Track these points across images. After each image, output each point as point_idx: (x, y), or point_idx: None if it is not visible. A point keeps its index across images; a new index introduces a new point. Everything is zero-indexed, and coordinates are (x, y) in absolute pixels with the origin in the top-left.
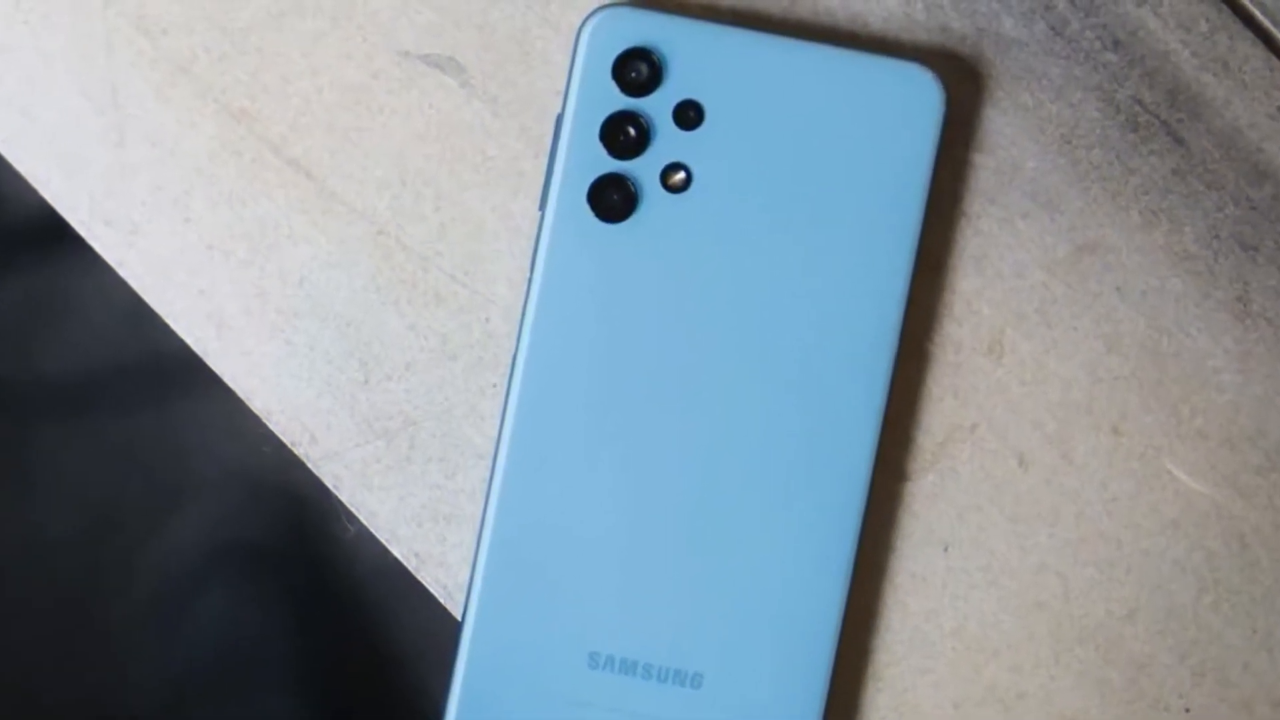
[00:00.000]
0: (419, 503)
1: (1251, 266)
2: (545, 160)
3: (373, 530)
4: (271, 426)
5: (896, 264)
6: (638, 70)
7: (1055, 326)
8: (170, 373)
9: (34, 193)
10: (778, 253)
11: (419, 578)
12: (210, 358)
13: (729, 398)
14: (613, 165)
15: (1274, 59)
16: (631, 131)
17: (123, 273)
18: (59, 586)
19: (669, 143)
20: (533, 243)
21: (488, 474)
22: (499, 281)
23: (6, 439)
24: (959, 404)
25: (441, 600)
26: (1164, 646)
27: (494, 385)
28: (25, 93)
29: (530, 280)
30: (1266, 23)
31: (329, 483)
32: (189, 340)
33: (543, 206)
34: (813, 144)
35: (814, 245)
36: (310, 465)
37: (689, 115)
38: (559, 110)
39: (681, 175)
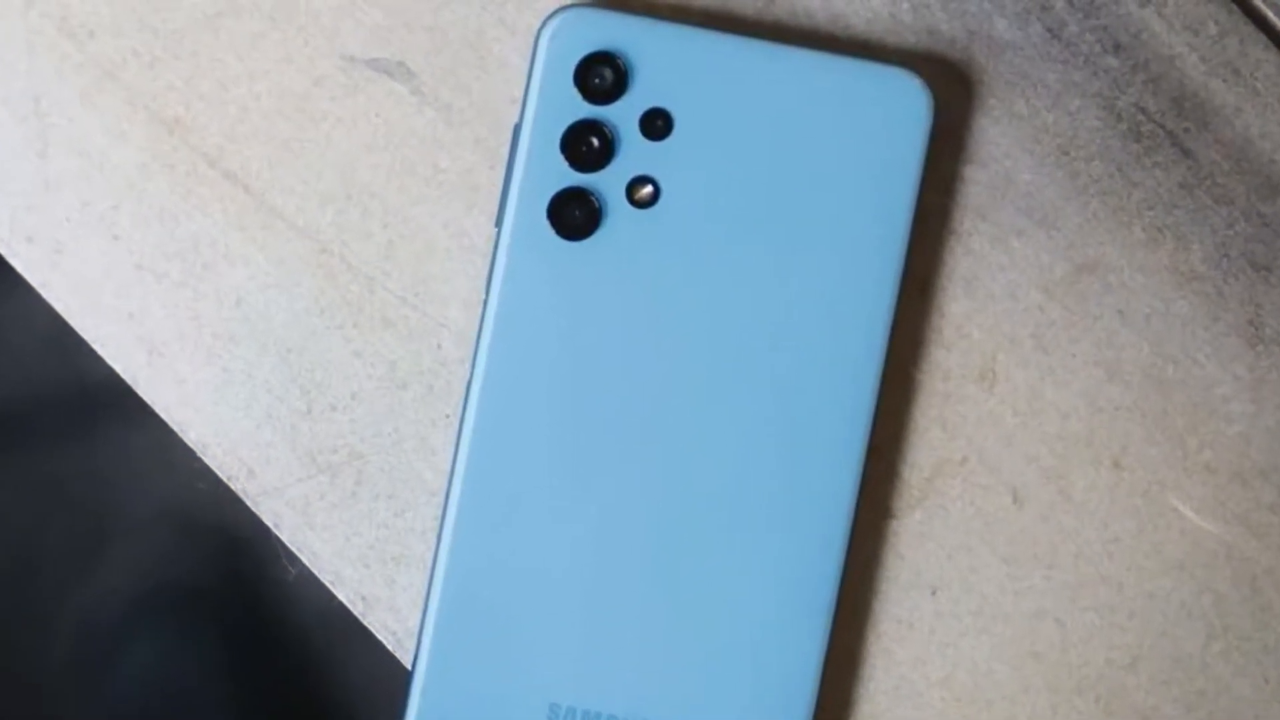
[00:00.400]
0: (365, 542)
1: (1264, 288)
2: (502, 173)
3: (316, 572)
4: (207, 460)
5: (881, 286)
6: (601, 76)
7: (1052, 352)
8: (97, 403)
9: None
10: (752, 274)
11: (366, 623)
12: (140, 386)
13: (701, 430)
14: (575, 178)
15: None
16: (595, 142)
17: (46, 294)
18: None
19: (635, 154)
20: (488, 262)
21: (440, 511)
22: (452, 304)
23: None
24: (948, 436)
25: (390, 647)
26: (1169, 698)
27: (446, 416)
28: None
29: (485, 303)
30: None
31: (269, 521)
32: (117, 367)
33: (499, 223)
34: (790, 156)
35: (792, 266)
36: (249, 502)
37: (656, 125)
38: (516, 119)
39: (648, 189)
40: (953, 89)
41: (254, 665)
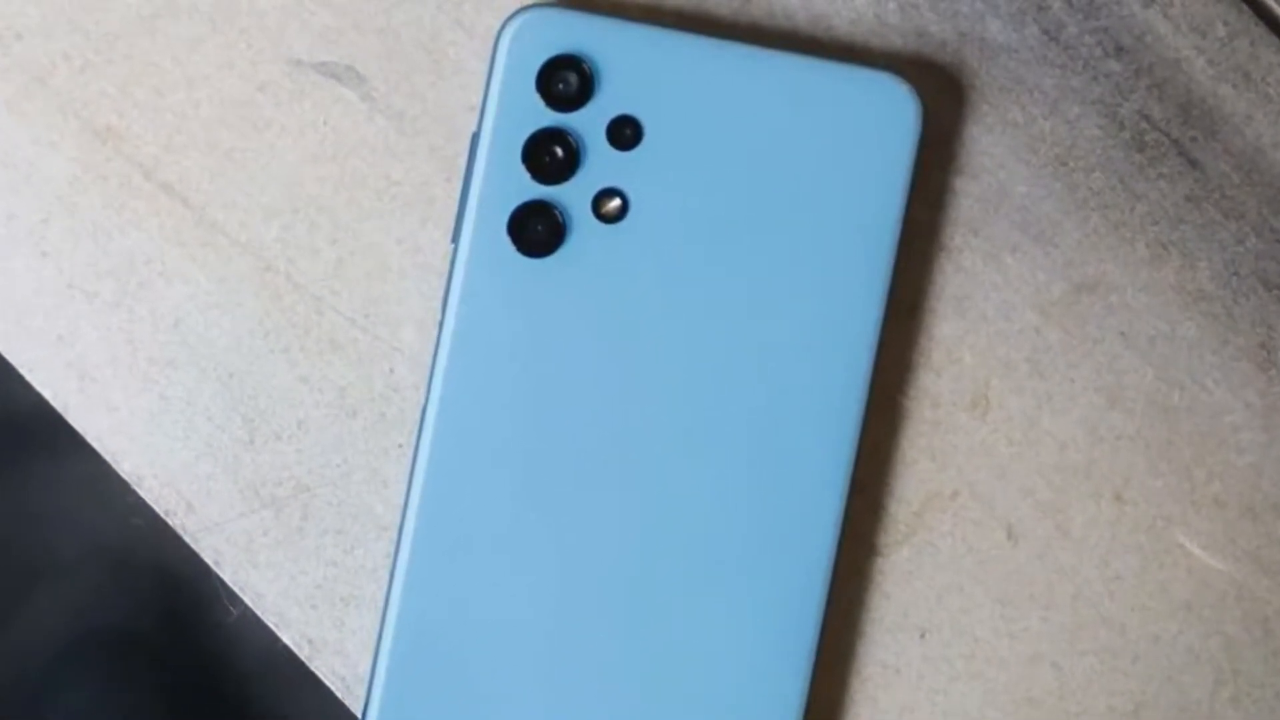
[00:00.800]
0: (312, 581)
1: (1276, 308)
2: (459, 185)
3: (259, 613)
4: (142, 494)
5: (866, 306)
6: (566, 81)
7: (1049, 378)
8: (24, 431)
9: None
10: (727, 295)
11: (312, 668)
12: (71, 414)
13: (672, 462)
14: (537, 191)
15: None
16: (559, 152)
17: None
18: None
19: (602, 165)
20: (444, 281)
21: (392, 549)
22: (405, 325)
23: None
24: (937, 467)
25: (339, 694)
26: None
27: (399, 446)
28: None
29: (441, 324)
30: None
31: (209, 559)
32: (46, 394)
33: (456, 239)
34: (768, 167)
35: (769, 286)
36: (187, 539)
37: (625, 133)
38: (475, 127)
39: (616, 203)
40: (943, 95)
41: (192, 714)
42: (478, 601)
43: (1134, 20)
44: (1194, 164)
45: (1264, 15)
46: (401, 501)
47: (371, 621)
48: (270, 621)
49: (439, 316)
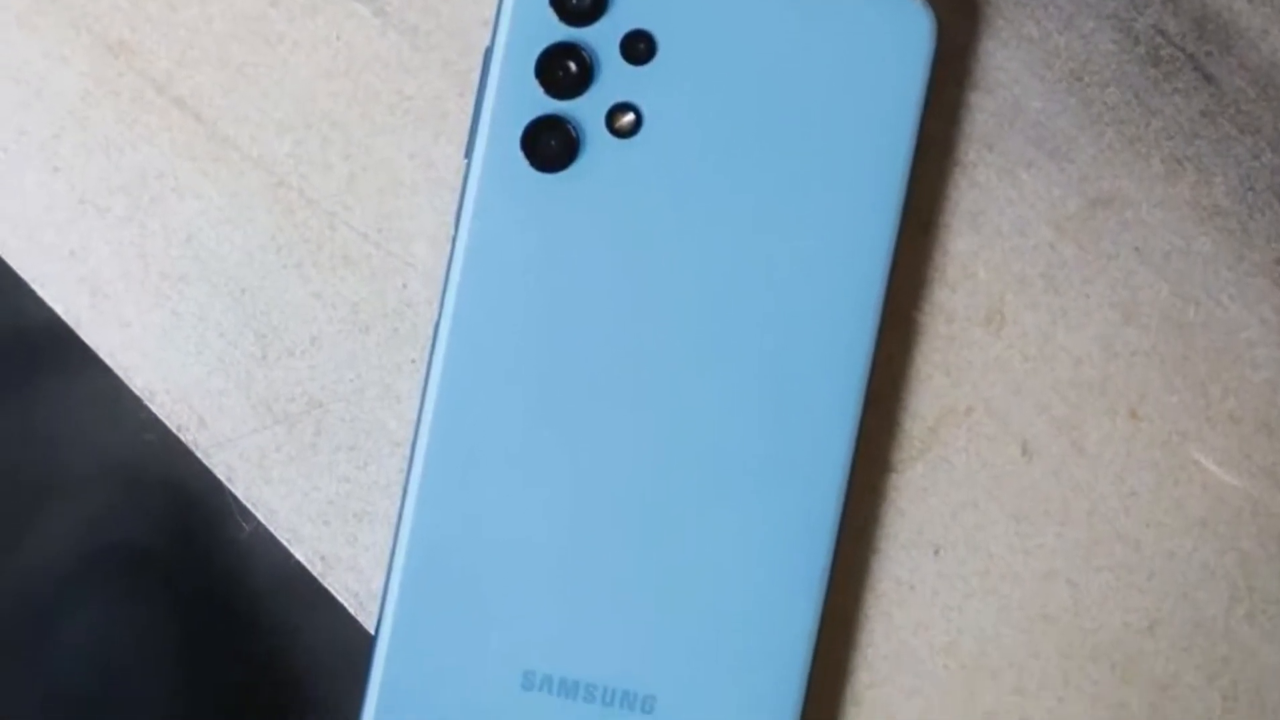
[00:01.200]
0: (325, 498)
1: None
2: (472, 100)
3: (272, 530)
4: (154, 410)
5: (880, 222)
6: None
7: (1064, 293)
8: (35, 348)
9: None
10: (741, 209)
11: (325, 584)
12: (83, 330)
13: (685, 377)
14: (551, 106)
15: None
16: (572, 66)
17: None
18: None
19: (615, 80)
20: (457, 196)
21: (405, 465)
22: (418, 241)
23: None
24: (952, 383)
25: (352, 610)
26: (1190, 664)
27: (412, 361)
28: None
29: (454, 239)
30: None
31: (221, 475)
32: (58, 309)
33: (469, 154)
34: (782, 82)
35: (783, 200)
36: (200, 455)
37: (638, 48)
38: (488, 42)
39: (630, 118)
40: (957, 10)
41: (205, 631)
42: (491, 517)
43: None
44: (1209, 79)
45: None
46: (414, 417)
47: (384, 537)
48: (283, 538)
49: (452, 232)
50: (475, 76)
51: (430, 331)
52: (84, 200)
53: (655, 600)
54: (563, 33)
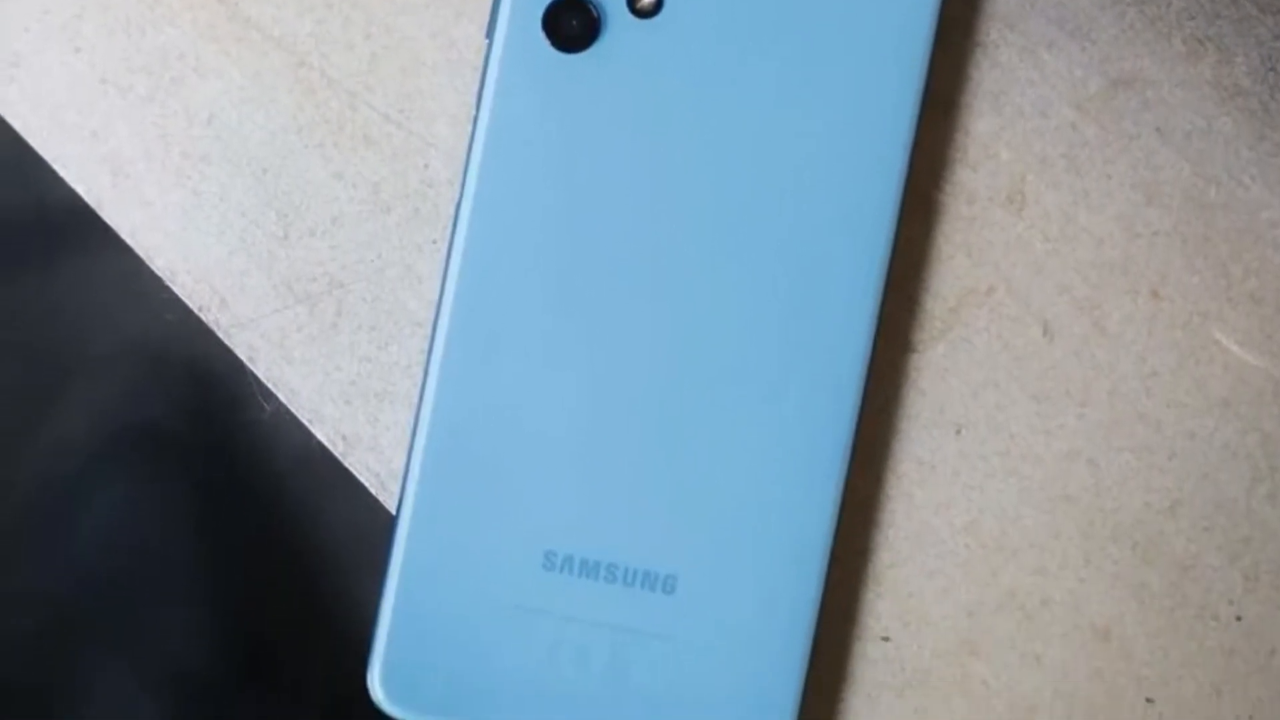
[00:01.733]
0: (346, 378)
1: None
2: None
3: (293, 410)
4: (176, 290)
5: (901, 102)
6: None
7: (1085, 174)
8: (57, 228)
9: None
10: (763, 89)
11: (346, 464)
12: (104, 210)
13: (707, 257)
14: None
15: None
16: None
17: (2, 111)
18: None
19: None
20: (478, 76)
21: (426, 345)
22: (439, 120)
23: None
24: (973, 263)
25: (373, 490)
26: (1211, 545)
27: (433, 242)
28: None
29: (475, 120)
30: None
31: (242, 355)
32: (80, 190)
33: (490, 34)
34: None
35: (805, 80)
36: (221, 335)
37: None
38: None
39: None
40: None
41: (226, 511)
42: (512, 396)
43: None
44: None
45: None
46: (435, 297)
47: (405, 418)
48: (304, 418)
49: (473, 112)
50: None
51: (451, 212)
52: (105, 80)
53: (676, 481)
54: None
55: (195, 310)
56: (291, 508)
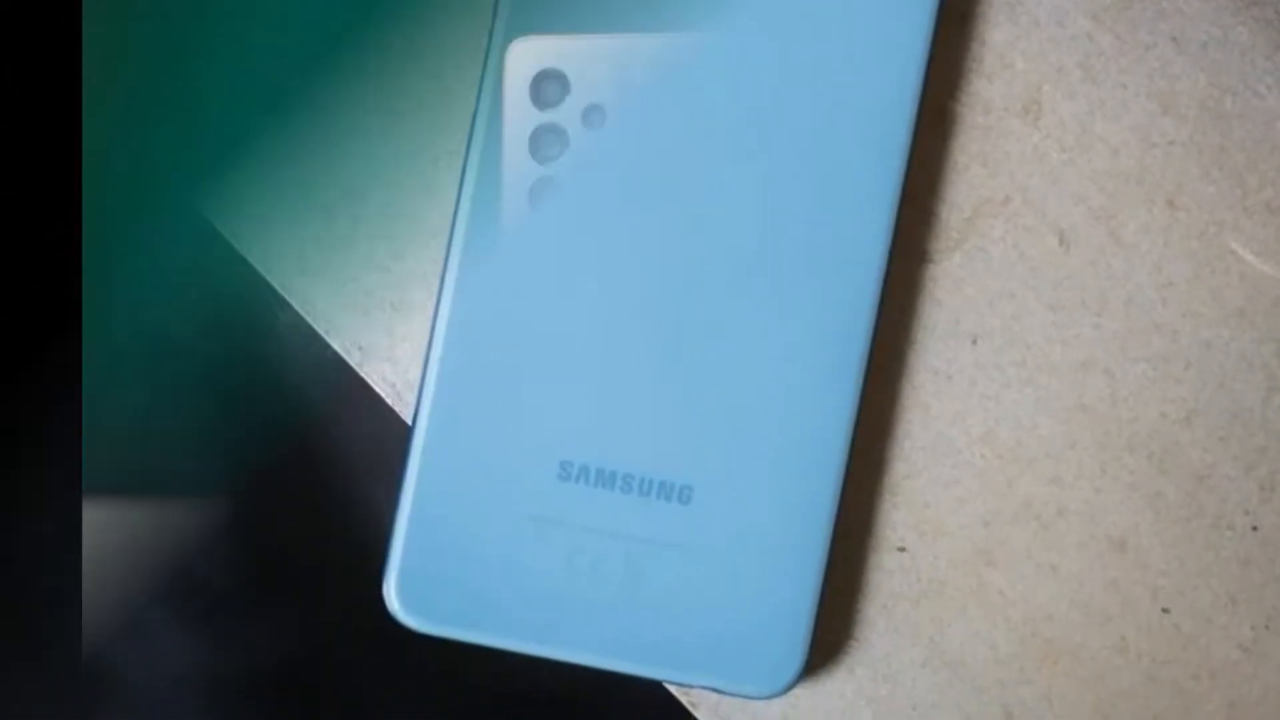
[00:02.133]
0: (362, 288)
1: None
2: None
3: (308, 320)
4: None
5: (917, 10)
6: None
7: (1101, 83)
8: None
9: None
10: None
11: (362, 374)
12: None
13: (724, 164)
14: None
15: None
16: None
17: None
18: None
19: None
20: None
21: (442, 255)
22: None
23: None
24: (989, 174)
25: (389, 400)
26: (1227, 454)
27: (449, 153)
28: None
29: (495, 13)
30: None
31: (257, 265)
32: None
33: None
34: None
35: None
36: (235, 244)
37: None
38: None
39: None
40: None
41: (242, 421)
42: (528, 307)
43: None
44: None
45: None
46: (451, 207)
47: (421, 329)
48: (320, 328)
49: (493, 10)
50: None
51: (468, 123)
52: None
53: (692, 391)
54: None
55: (210, 220)
56: (308, 418)
